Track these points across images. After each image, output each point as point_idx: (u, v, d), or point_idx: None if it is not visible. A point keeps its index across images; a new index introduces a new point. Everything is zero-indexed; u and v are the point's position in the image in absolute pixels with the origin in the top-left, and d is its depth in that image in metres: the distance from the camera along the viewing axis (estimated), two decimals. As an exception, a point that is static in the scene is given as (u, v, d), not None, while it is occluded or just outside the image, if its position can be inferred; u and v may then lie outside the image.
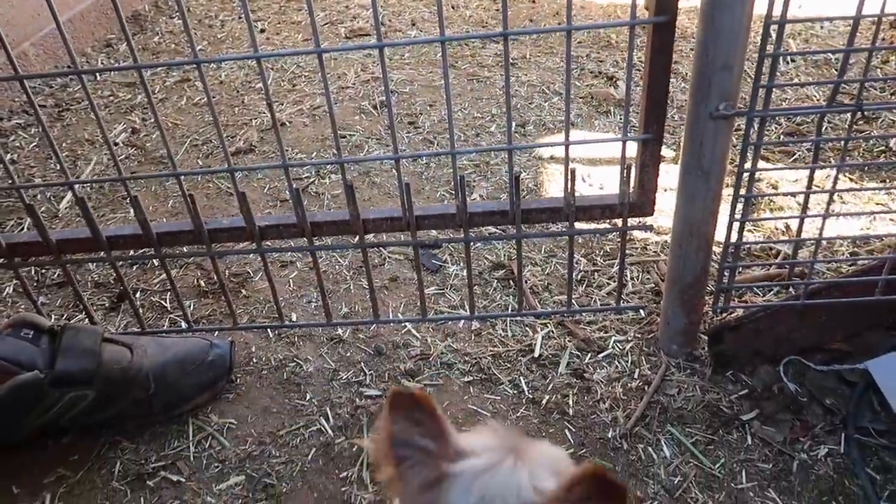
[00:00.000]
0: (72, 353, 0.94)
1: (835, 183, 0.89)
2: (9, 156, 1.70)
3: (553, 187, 1.51)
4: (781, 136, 1.61)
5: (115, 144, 1.74)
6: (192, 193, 0.92)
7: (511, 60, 1.96)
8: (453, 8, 2.39)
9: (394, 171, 1.55)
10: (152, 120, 1.84)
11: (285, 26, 2.35)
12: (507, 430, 0.58)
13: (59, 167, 1.66)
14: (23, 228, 1.46)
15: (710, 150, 0.88)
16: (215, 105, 1.86)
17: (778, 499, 0.89)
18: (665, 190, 1.40)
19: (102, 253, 0.99)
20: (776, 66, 0.80)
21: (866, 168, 1.50)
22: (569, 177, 0.91)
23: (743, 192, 0.91)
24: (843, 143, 0.89)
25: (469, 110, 1.79)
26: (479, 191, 1.50)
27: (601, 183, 1.52)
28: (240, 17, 2.42)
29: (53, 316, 1.23)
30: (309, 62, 2.07)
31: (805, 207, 0.94)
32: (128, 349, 0.99)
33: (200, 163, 1.65)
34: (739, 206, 0.93)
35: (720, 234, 0.96)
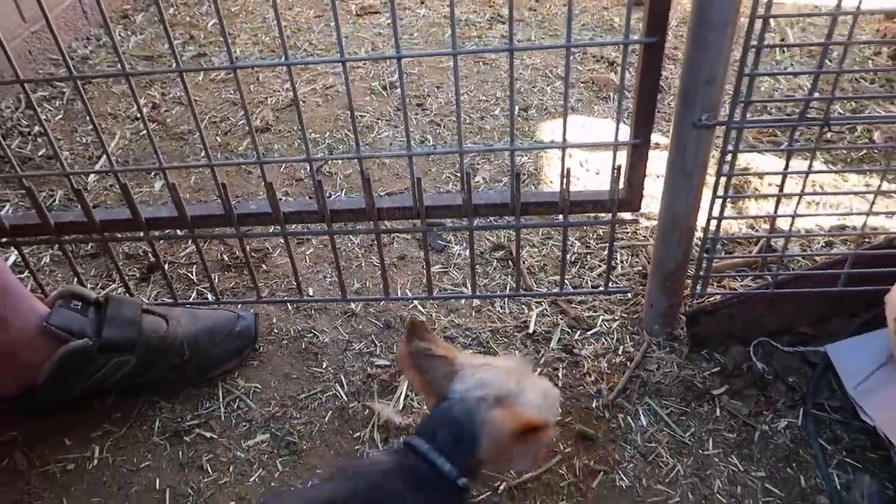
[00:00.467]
0: (116, 323, 1.04)
1: (803, 188, 0.99)
2: (36, 128, 1.79)
3: (551, 172, 1.60)
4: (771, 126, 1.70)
5: (136, 119, 1.83)
6: (224, 183, 1.02)
7: (516, 41, 2.03)
8: (461, -15, 2.44)
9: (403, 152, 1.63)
10: (171, 95, 1.92)
11: (297, 1, 2.40)
12: (514, 357, 0.92)
13: (84, 140, 1.76)
14: (54, 200, 1.56)
15: (692, 154, 0.98)
16: (230, 83, 1.94)
17: (739, 465, 1.01)
18: (657, 176, 1.50)
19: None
20: (753, 83, 0.89)
21: (849, 160, 1.59)
22: (564, 175, 1.01)
23: (720, 192, 1.01)
24: (812, 150, 0.98)
25: (474, 93, 1.87)
26: (482, 174, 1.59)
27: (597, 168, 1.61)
28: (252, -10, 2.47)
29: (89, 285, 1.34)
30: (321, 41, 2.14)
31: (777, 207, 1.04)
32: (164, 319, 1.10)
33: (219, 139, 1.74)
34: (718, 204, 1.03)
35: (703, 222, 1.06)
